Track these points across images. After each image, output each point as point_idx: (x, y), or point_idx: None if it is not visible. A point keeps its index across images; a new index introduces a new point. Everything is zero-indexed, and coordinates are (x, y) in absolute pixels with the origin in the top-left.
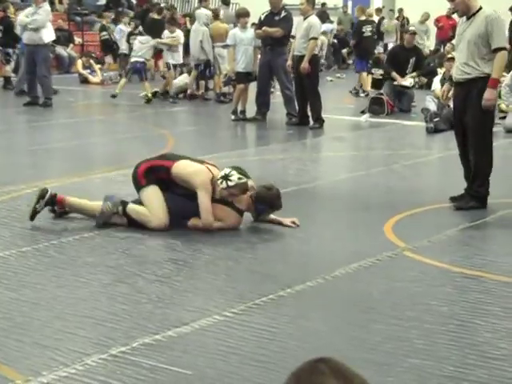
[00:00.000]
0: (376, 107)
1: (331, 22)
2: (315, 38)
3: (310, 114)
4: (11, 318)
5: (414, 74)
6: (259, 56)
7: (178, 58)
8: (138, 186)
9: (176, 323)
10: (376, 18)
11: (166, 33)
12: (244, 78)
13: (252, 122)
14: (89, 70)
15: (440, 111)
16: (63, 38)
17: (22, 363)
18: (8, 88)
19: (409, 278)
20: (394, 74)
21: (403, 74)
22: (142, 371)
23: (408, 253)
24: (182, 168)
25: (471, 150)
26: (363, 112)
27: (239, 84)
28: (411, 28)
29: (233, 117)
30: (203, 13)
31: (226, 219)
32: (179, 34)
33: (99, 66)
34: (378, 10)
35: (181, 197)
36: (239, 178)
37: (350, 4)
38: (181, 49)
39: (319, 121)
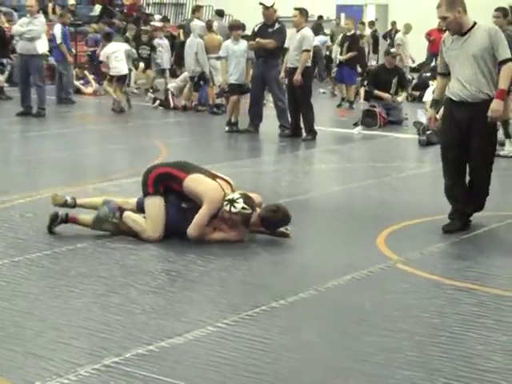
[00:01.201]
0: (369, 120)
1: (325, 35)
2: (308, 50)
3: (302, 125)
4: (4, 328)
5: (403, 94)
6: (252, 68)
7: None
8: (145, 192)
9: (169, 334)
10: (369, 31)
11: None
12: (236, 89)
13: (245, 133)
14: (82, 81)
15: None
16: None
17: (14, 373)
18: (1, 98)
19: (401, 290)
20: (376, 92)
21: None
22: (135, 382)
23: (400, 265)
24: (195, 185)
25: (475, 173)
26: (356, 124)
27: (232, 96)
28: (392, 50)
29: (227, 128)
30: (198, 24)
31: (229, 231)
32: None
33: (93, 76)
34: (371, 23)
35: (180, 214)
36: (243, 208)
37: (342, 16)
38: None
39: (312, 133)
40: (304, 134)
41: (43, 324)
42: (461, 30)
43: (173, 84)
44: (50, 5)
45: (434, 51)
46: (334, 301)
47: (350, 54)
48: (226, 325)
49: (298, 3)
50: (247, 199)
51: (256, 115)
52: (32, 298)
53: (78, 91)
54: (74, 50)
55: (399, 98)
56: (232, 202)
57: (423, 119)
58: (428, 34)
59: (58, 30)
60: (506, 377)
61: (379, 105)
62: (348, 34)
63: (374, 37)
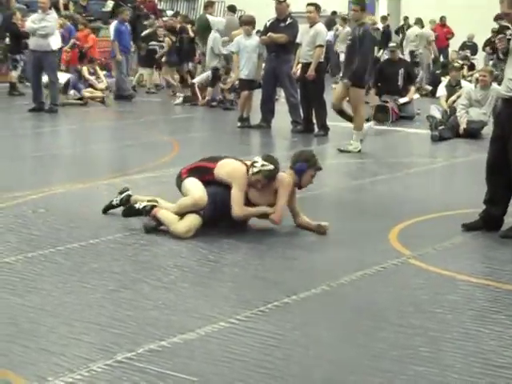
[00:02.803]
0: (380, 115)
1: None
2: (321, 46)
3: (314, 121)
4: (17, 324)
5: (412, 90)
6: (263, 63)
7: None
8: (180, 181)
9: (181, 329)
10: (381, 26)
11: None
12: (247, 85)
13: (257, 129)
14: (94, 77)
15: (445, 119)
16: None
17: (27, 369)
18: (13, 94)
19: (414, 285)
20: (372, 92)
21: (395, 88)
22: (148, 377)
23: (413, 261)
24: (222, 169)
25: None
26: (368, 120)
27: (243, 91)
28: (391, 45)
29: (239, 124)
30: (216, 20)
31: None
32: None
33: (104, 72)
34: (384, 18)
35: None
36: (262, 165)
37: None
38: None
39: (324, 128)
40: (316, 129)
41: (56, 320)
42: None
43: (197, 79)
44: (61, 1)
45: (439, 46)
46: (346, 296)
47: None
48: (238, 320)
49: None
50: (266, 157)
51: (268, 111)
52: (45, 293)
53: (90, 86)
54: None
55: (404, 99)
56: (252, 164)
57: (437, 114)
58: (433, 31)
59: (112, 26)
60: None
61: (391, 100)
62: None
63: (387, 32)
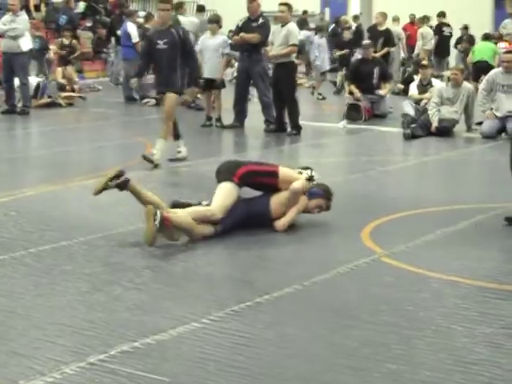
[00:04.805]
0: (353, 113)
1: (310, 30)
2: (295, 45)
3: (287, 120)
4: None
5: (388, 87)
6: (236, 63)
7: None
8: (227, 178)
9: (154, 330)
10: (353, 25)
11: None
12: (208, 84)
13: (230, 128)
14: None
15: (417, 117)
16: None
17: None
18: None
19: (386, 283)
20: (351, 87)
21: (370, 86)
22: (120, 379)
23: (385, 259)
24: (287, 170)
25: None
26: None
27: (204, 91)
28: (365, 42)
29: (207, 123)
30: (190, 20)
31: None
32: None
33: (77, 73)
34: (356, 17)
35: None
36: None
37: (327, 11)
38: None
39: (297, 127)
40: (289, 128)
41: (27, 322)
42: None
43: None
44: (32, 2)
45: (411, 45)
46: (319, 295)
47: (386, 50)
48: (210, 320)
49: None
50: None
51: (241, 110)
52: (16, 296)
53: (62, 88)
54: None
55: (381, 92)
56: (311, 178)
57: (410, 110)
58: (404, 29)
59: (133, 28)
60: (490, 369)
61: (364, 98)
62: (380, 29)
63: (359, 30)
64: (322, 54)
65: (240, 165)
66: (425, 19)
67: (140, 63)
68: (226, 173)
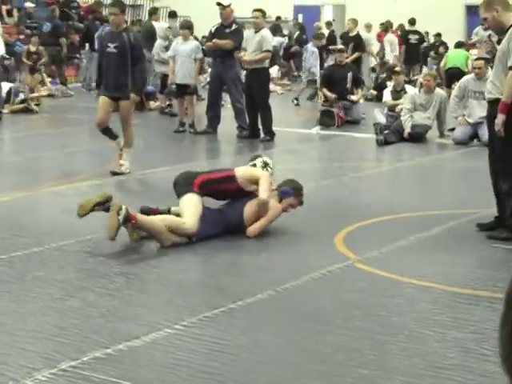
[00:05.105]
0: (326, 119)
1: (283, 36)
2: (269, 51)
3: (260, 126)
4: None
5: (360, 93)
6: (209, 69)
7: None
8: (186, 190)
9: (127, 337)
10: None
11: None
12: (180, 90)
13: (203, 134)
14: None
15: (390, 123)
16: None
17: None
18: None
19: (359, 289)
20: (325, 91)
21: (343, 92)
22: None
23: (358, 264)
24: (244, 170)
25: (499, 175)
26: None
27: (176, 97)
28: (339, 47)
29: (180, 129)
30: (161, 26)
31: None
32: None
33: (50, 79)
34: (329, 23)
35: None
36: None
37: (300, 17)
38: None
39: (270, 133)
40: (262, 134)
41: None
42: (502, 29)
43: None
44: (5, 7)
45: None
46: (292, 301)
47: (356, 54)
48: (183, 327)
49: (254, 4)
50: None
51: (214, 116)
52: None
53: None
54: None
55: (354, 97)
56: (266, 164)
57: (381, 118)
58: (378, 36)
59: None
60: (462, 373)
61: (337, 104)
62: (351, 34)
63: (332, 37)
64: (315, 61)
65: (196, 175)
66: (388, 27)
67: (98, 69)
68: (184, 185)
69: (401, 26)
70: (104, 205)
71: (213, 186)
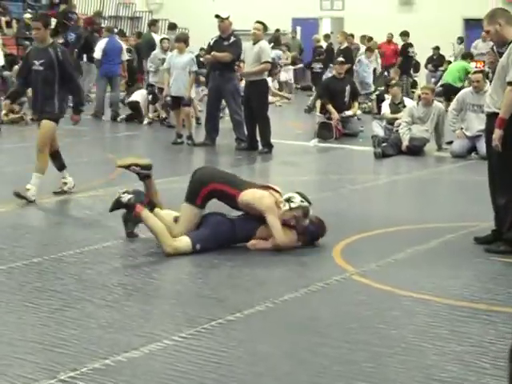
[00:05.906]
0: (324, 132)
1: (282, 50)
2: (268, 62)
3: (259, 138)
4: None
5: (356, 106)
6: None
7: None
8: (191, 199)
9: (125, 348)
10: (324, 44)
11: None
12: (175, 102)
13: (201, 146)
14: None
15: (388, 136)
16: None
17: None
18: None
19: (357, 301)
20: (329, 107)
21: (341, 104)
22: None
23: (356, 277)
24: (250, 198)
25: (497, 189)
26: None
27: (172, 109)
28: (339, 59)
29: (178, 140)
30: (155, 37)
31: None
32: None
33: None
34: (327, 36)
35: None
36: (301, 201)
37: (298, 29)
38: None
39: (268, 146)
40: (260, 146)
41: None
42: (504, 43)
43: (137, 96)
44: (4, 19)
45: (386, 63)
46: (290, 313)
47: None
48: (182, 338)
49: (253, 16)
50: (302, 194)
51: (212, 128)
52: None
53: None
54: None
55: (349, 112)
56: (289, 199)
57: (379, 131)
58: (379, 48)
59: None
60: None
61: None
62: (341, 47)
63: (330, 49)
64: (368, 73)
65: (210, 181)
66: (391, 39)
67: (15, 84)
68: (191, 192)
69: (404, 39)
70: (141, 167)
71: (219, 197)
